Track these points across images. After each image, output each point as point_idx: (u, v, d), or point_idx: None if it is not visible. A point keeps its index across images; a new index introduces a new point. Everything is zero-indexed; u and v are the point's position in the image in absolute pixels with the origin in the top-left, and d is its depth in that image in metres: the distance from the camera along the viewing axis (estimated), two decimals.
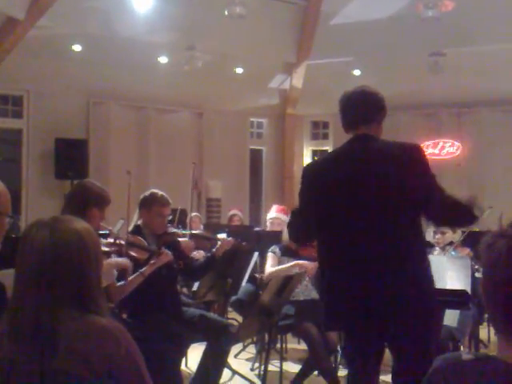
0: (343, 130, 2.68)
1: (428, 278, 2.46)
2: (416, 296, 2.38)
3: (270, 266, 4.42)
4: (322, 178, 2.57)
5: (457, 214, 2.50)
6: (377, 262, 2.41)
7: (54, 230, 1.59)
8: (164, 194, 3.78)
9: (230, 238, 4.08)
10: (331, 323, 2.63)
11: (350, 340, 2.60)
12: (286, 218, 5.69)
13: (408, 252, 2.44)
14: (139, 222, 3.77)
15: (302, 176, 2.66)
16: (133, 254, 3.30)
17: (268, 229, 5.69)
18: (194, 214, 6.37)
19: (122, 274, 3.31)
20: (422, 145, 2.62)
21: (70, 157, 7.69)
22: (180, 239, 3.81)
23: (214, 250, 4.01)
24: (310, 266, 4.22)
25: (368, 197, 2.44)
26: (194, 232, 4.12)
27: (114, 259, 3.20)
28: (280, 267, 4.32)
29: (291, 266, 4.28)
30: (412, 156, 2.45)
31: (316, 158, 2.81)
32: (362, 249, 2.44)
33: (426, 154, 2.52)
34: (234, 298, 4.68)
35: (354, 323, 2.49)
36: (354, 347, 2.56)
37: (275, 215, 5.68)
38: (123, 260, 3.19)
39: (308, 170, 2.70)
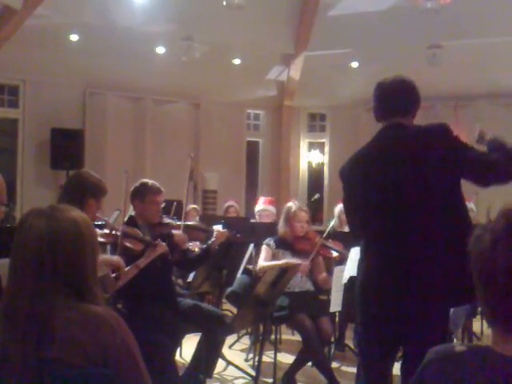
0: (375, 120, 2.62)
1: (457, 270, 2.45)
2: (443, 289, 2.37)
3: (263, 260, 4.42)
4: (359, 173, 2.55)
5: (488, 178, 2.42)
6: (417, 250, 2.39)
7: (51, 219, 1.59)
8: (154, 182, 3.78)
9: (224, 230, 4.08)
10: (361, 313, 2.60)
11: (369, 330, 2.56)
12: (273, 209, 5.73)
13: (438, 246, 2.40)
14: (133, 213, 3.77)
15: (340, 178, 2.64)
16: (128, 244, 3.30)
17: (257, 221, 5.71)
18: (192, 206, 6.36)
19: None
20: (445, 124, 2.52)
21: (66, 147, 7.66)
22: (173, 231, 3.81)
23: (209, 242, 4.02)
24: (301, 264, 4.22)
25: (405, 187, 2.41)
26: (188, 223, 4.12)
27: (106, 257, 3.19)
28: (272, 263, 4.31)
29: (282, 263, 4.27)
30: (437, 135, 2.44)
31: (352, 155, 2.77)
32: (401, 238, 2.42)
33: (449, 130, 2.48)
34: (228, 290, 4.69)
35: (379, 311, 2.47)
36: (371, 337, 2.53)
37: (263, 207, 5.71)
38: (115, 258, 3.18)
39: (344, 170, 2.66)
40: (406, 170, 2.43)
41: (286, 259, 4.37)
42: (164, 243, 3.52)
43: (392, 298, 2.42)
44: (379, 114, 2.59)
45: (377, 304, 2.49)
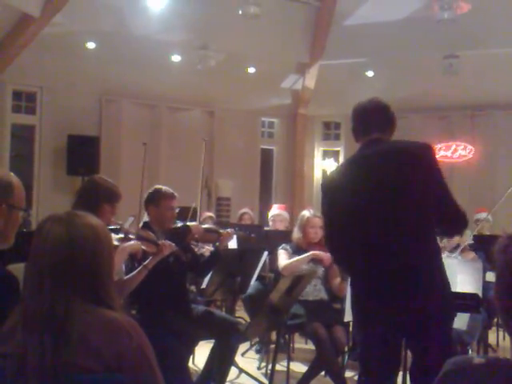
0: (354, 140, 2.72)
1: (445, 278, 2.50)
2: (438, 295, 2.42)
3: (285, 260, 4.41)
4: (341, 186, 2.62)
5: (451, 225, 2.57)
6: (397, 262, 2.43)
7: (69, 225, 1.60)
8: (168, 187, 3.80)
9: (230, 230, 4.09)
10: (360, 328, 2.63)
11: (370, 342, 2.58)
12: (287, 215, 5.78)
13: (426, 252, 2.48)
14: (147, 219, 3.78)
15: (322, 190, 2.72)
16: (144, 247, 3.30)
17: (271, 226, 5.77)
18: (208, 214, 6.39)
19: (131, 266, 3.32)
20: (432, 145, 2.64)
21: (82, 153, 7.74)
22: (189, 224, 3.83)
23: (217, 243, 4.04)
24: (325, 256, 4.22)
25: (384, 198, 2.48)
26: (203, 226, 4.13)
27: (127, 243, 3.18)
28: (296, 258, 4.31)
29: (307, 256, 4.28)
30: (424, 156, 2.50)
31: (333, 170, 2.91)
32: (381, 249, 2.47)
33: (436, 153, 2.60)
34: (244, 294, 4.70)
35: (376, 324, 2.49)
36: (373, 350, 2.54)
37: (277, 212, 5.76)
38: (135, 243, 3.18)
39: (327, 183, 2.75)
40: (392, 185, 2.48)
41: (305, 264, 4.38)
42: (171, 243, 3.48)
43: (389, 308, 2.44)
44: (357, 133, 2.69)
45: (373, 319, 2.50)
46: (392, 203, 2.47)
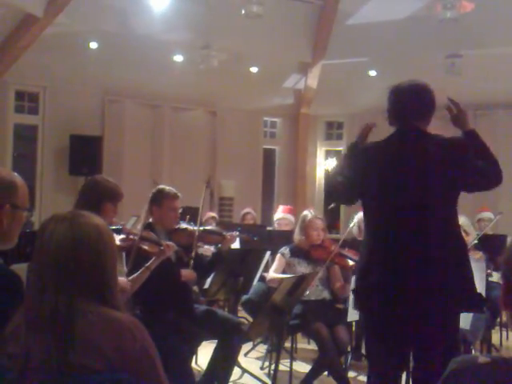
0: (388, 123, 2.62)
1: (471, 273, 2.46)
2: (458, 291, 2.39)
3: (274, 270, 4.41)
4: (377, 163, 2.54)
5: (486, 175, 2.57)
6: (423, 252, 2.40)
7: (73, 224, 1.61)
8: (171, 188, 3.79)
9: (234, 233, 4.09)
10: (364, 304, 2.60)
11: (377, 338, 2.56)
12: (292, 218, 5.75)
13: (455, 245, 2.46)
14: (150, 220, 3.78)
15: (355, 155, 2.65)
16: (146, 248, 3.30)
17: (276, 229, 5.72)
18: (211, 214, 6.38)
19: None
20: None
21: (85, 153, 7.75)
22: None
23: (219, 245, 4.03)
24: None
25: (420, 187, 2.45)
26: (205, 228, 4.13)
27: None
28: (281, 276, 4.28)
29: (291, 277, 4.25)
30: (463, 153, 2.55)
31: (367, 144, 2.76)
32: (406, 238, 2.43)
33: (468, 149, 2.61)
34: (244, 297, 4.68)
35: (385, 316, 2.46)
36: (380, 345, 2.52)
37: (282, 215, 5.73)
38: (122, 280, 3.15)
39: (363, 152, 2.65)
40: (424, 178, 2.45)
41: (302, 268, 4.36)
42: (172, 243, 3.48)
43: (398, 302, 2.41)
44: (393, 118, 2.59)
45: (382, 309, 2.47)
46: (421, 202, 2.44)
